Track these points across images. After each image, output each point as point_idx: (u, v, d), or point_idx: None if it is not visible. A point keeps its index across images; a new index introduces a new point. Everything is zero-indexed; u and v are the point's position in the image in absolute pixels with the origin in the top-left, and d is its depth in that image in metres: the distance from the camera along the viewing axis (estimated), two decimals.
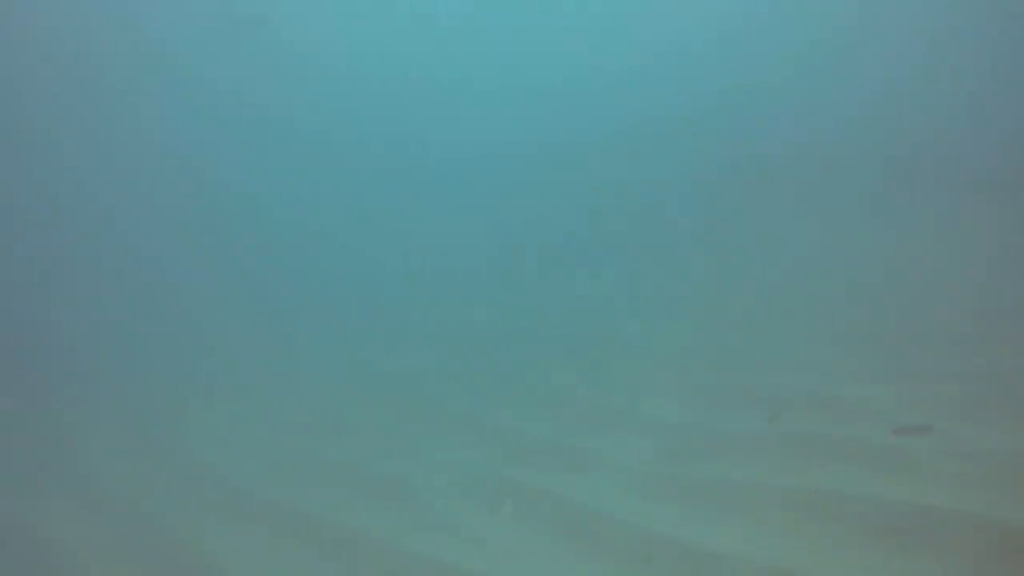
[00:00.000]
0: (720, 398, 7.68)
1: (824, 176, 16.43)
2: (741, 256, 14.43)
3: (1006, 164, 14.66)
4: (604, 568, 4.94)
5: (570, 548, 5.32)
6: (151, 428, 11.01)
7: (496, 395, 9.60)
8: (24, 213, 18.96)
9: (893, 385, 7.06)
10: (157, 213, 20.16)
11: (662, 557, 4.84)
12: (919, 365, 7.58)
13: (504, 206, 20.05)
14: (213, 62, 22.47)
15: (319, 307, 17.07)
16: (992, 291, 9.64)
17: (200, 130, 22.03)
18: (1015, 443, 5.30)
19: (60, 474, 9.53)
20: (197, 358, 14.99)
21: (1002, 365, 7.01)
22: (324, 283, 18.28)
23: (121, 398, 13.00)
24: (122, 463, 9.61)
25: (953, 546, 4.24)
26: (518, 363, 11.01)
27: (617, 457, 6.72)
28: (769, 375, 8.11)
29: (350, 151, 22.84)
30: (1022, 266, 10.58)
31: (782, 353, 8.85)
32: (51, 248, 18.58)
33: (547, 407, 8.66)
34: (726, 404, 7.49)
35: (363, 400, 10.54)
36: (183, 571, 6.18)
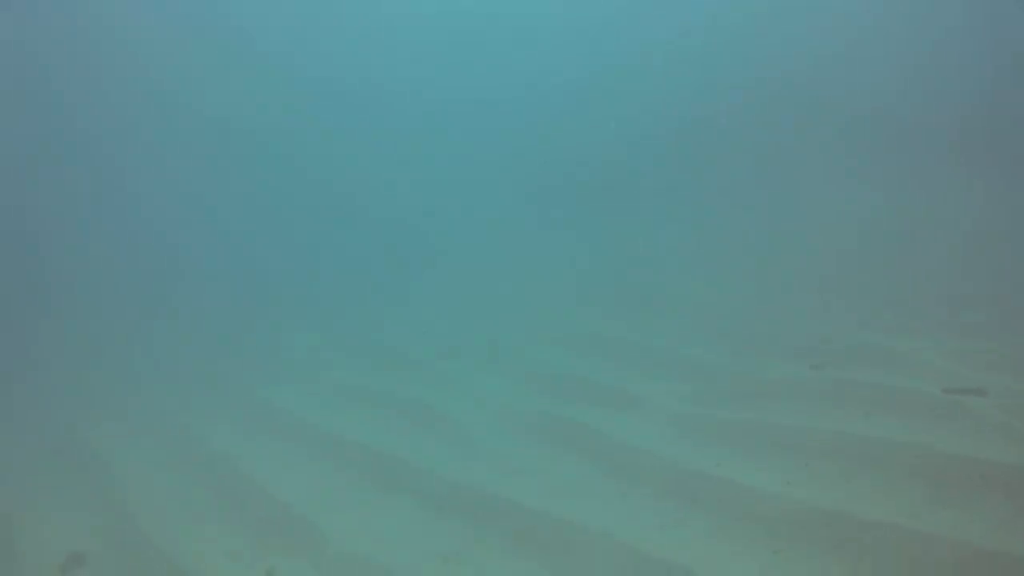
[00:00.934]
0: (763, 346, 7.64)
1: (875, 135, 15.88)
2: (788, 211, 14.13)
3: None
4: (643, 503, 5.05)
5: (610, 483, 5.43)
6: (199, 361, 11.32)
7: (537, 335, 9.67)
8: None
9: (942, 340, 6.96)
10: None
11: (702, 493, 4.92)
12: (969, 321, 7.46)
13: (543, 148, 19.78)
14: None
15: (360, 249, 17.17)
16: None
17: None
18: None
19: (119, 399, 9.92)
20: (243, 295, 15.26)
21: None
22: (370, 228, 18.37)
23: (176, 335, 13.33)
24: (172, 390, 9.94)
25: (1003, 500, 4.25)
26: (559, 305, 11.04)
27: (658, 398, 6.77)
28: (814, 327, 8.03)
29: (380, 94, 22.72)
30: None
31: (827, 306, 8.74)
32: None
33: (588, 349, 8.71)
34: (769, 352, 7.45)
35: (409, 334, 10.68)
36: (221, 483, 6.46)
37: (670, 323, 9.08)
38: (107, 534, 5.94)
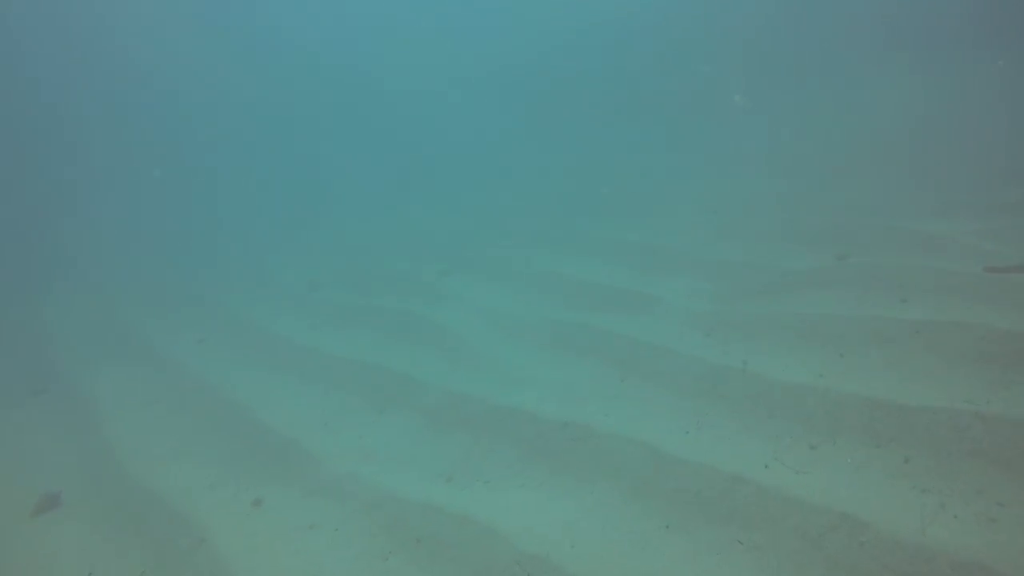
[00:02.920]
0: (784, 240, 7.07)
1: (884, 28, 14.92)
2: (795, 107, 13.34)
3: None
4: (666, 405, 4.58)
5: (628, 387, 4.96)
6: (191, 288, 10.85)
7: (543, 245, 9.12)
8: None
9: (981, 220, 6.38)
10: None
11: (730, 391, 4.45)
12: (1009, 199, 6.85)
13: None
14: None
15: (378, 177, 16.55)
16: None
17: None
18: None
19: (120, 334, 9.48)
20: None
21: None
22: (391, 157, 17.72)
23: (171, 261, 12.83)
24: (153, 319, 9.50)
25: None
26: (564, 215, 10.44)
27: (677, 298, 6.24)
28: (839, 218, 7.44)
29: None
30: None
31: (853, 197, 8.13)
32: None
33: (598, 254, 8.16)
34: (790, 245, 6.88)
35: (417, 252, 10.15)
36: (218, 412, 6.04)
37: (684, 225, 8.49)
38: (84, 472, 5.53)
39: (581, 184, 12.00)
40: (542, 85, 18.13)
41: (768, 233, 7.43)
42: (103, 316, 10.16)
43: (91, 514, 4.90)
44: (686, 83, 15.93)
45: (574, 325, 6.05)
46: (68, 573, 4.18)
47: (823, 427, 3.86)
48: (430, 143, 17.25)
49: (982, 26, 13.51)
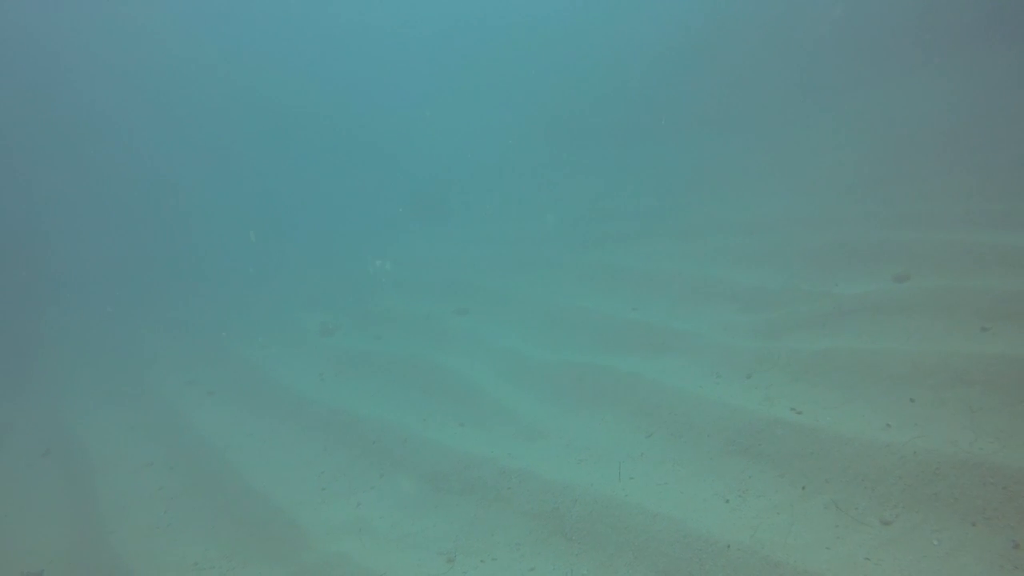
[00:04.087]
0: (828, 260, 6.32)
1: (915, 30, 14.08)
2: (822, 120, 12.55)
3: None
4: (702, 468, 3.91)
5: (655, 446, 4.29)
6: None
7: (558, 274, 8.51)
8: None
9: None
10: None
11: (778, 449, 3.75)
12: None
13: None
14: None
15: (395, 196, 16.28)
16: None
17: None
18: None
19: (128, 378, 9.16)
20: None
21: None
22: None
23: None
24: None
25: None
26: (578, 241, 9.84)
27: (709, 333, 5.55)
28: (887, 231, 6.67)
29: None
30: None
31: (899, 207, 7.34)
32: None
33: (617, 284, 7.51)
34: (837, 266, 6.14)
35: (433, 286, 9.64)
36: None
37: (712, 248, 7.79)
38: (69, 548, 5.06)
39: (601, 209, 11.38)
40: (560, 109, 17.66)
41: (811, 253, 6.68)
42: (111, 356, 9.87)
43: None
44: (704, 96, 15.28)
45: (596, 369, 5.39)
46: None
47: (897, 497, 3.15)
48: (449, 168, 16.90)
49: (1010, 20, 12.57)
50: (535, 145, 16.34)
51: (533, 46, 19.42)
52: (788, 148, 11.61)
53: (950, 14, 13.75)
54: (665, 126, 15.11)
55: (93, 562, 4.76)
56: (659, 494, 3.68)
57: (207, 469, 5.78)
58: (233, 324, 10.50)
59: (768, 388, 4.41)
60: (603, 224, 10.47)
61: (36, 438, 7.68)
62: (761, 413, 4.08)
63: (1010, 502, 2.85)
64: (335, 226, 15.52)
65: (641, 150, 14.15)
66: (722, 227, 8.59)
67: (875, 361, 4.22)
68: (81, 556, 4.91)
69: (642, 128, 15.10)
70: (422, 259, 11.69)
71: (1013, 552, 2.65)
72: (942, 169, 8.22)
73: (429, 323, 8.08)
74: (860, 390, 4.05)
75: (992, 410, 3.50)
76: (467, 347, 6.97)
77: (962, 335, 4.24)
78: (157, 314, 12.06)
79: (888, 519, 3.03)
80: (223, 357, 8.95)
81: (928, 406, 3.71)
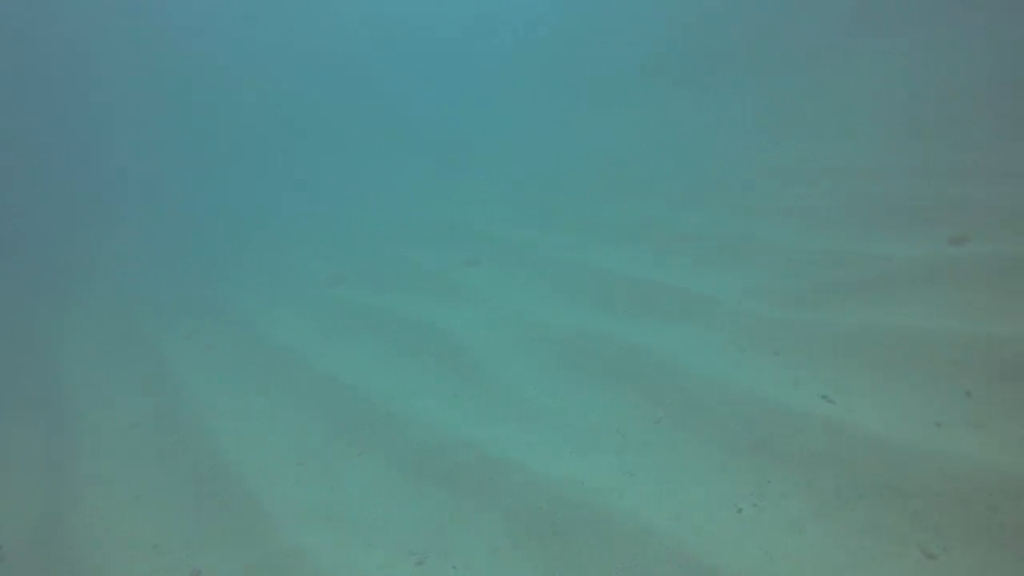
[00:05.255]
0: (876, 218, 5.62)
1: None
2: (861, 58, 11.47)
3: None
4: (717, 463, 3.37)
5: (665, 434, 3.76)
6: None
7: (578, 230, 7.90)
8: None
9: None
10: None
11: (807, 445, 3.19)
12: None
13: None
14: None
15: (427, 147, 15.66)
16: None
17: None
18: None
19: (126, 338, 8.90)
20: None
21: None
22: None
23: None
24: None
25: None
26: (603, 195, 9.16)
27: (733, 299, 4.94)
28: (941, 185, 5.91)
29: None
30: None
31: (950, 158, 6.54)
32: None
33: (638, 241, 6.88)
34: (886, 225, 5.43)
35: (445, 237, 9.13)
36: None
37: (748, 199, 7.08)
38: (35, 522, 4.77)
39: (620, 159, 10.63)
40: (575, 55, 16.78)
41: (850, 209, 5.97)
42: (112, 318, 9.60)
43: (25, 572, 4.14)
44: (745, 38, 14.21)
45: (604, 339, 4.83)
46: None
47: (946, 523, 2.57)
48: (469, 112, 16.18)
49: None
50: (563, 94, 15.52)
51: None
52: (831, 92, 10.66)
53: None
54: (703, 69, 14.17)
55: (55, 539, 4.45)
56: (660, 497, 3.15)
57: (187, 435, 5.43)
58: (242, 272, 10.14)
59: (797, 369, 3.82)
60: (632, 172, 9.77)
61: (29, 391, 7.45)
62: (787, 400, 3.50)
63: None
64: (355, 182, 15.04)
65: (683, 95, 13.26)
66: (760, 175, 7.85)
67: (926, 341, 3.58)
68: (44, 531, 4.61)
69: (682, 73, 14.17)
70: (439, 210, 11.15)
71: None
72: (995, 118, 7.34)
73: (438, 277, 7.58)
74: (906, 377, 3.44)
75: None
76: (472, 308, 6.46)
77: (1019, 312, 3.58)
78: (168, 262, 11.78)
79: (933, 552, 2.47)
80: (226, 308, 8.61)
81: (988, 403, 3.09)
